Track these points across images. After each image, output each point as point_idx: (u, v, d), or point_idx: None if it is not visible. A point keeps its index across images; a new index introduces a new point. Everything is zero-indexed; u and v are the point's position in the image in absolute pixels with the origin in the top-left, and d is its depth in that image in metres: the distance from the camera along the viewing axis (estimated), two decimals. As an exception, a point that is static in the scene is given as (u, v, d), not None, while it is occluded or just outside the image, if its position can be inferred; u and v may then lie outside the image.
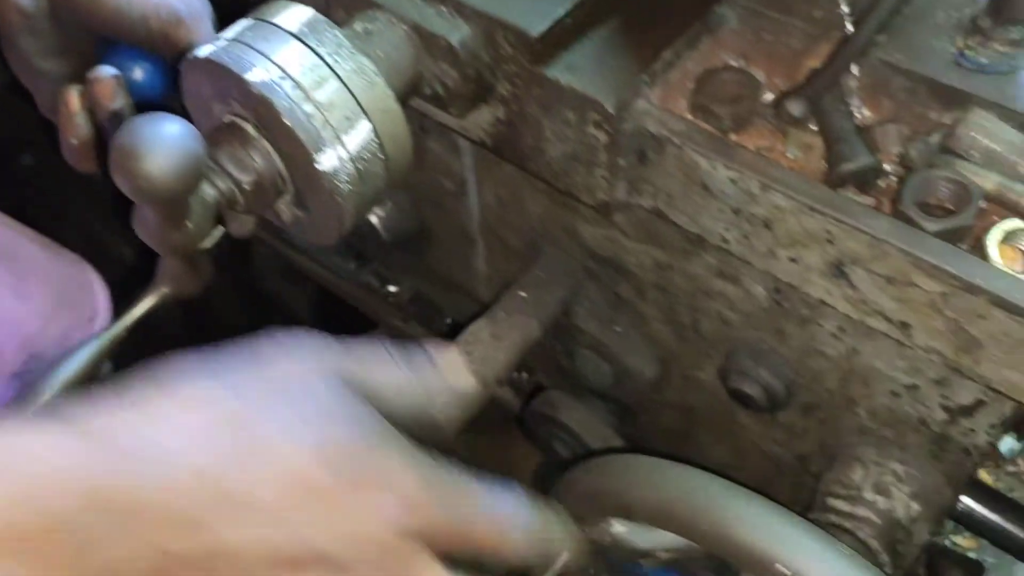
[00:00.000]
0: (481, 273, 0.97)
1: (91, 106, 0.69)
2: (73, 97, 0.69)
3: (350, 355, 0.51)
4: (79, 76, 0.70)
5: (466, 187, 0.87)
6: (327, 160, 0.59)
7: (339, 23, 0.68)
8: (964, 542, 1.10)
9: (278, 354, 0.49)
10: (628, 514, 0.65)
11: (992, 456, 1.14)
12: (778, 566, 0.56)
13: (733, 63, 0.66)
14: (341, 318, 1.50)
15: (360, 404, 0.48)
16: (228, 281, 1.75)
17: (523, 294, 0.82)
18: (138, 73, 0.76)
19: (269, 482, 0.44)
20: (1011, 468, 1.14)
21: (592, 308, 0.85)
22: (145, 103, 0.74)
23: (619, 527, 0.71)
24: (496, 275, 0.95)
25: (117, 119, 0.69)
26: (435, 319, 1.14)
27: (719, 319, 0.76)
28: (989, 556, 1.10)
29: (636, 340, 0.85)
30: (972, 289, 0.55)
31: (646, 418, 0.96)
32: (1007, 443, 1.15)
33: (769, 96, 0.66)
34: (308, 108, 0.58)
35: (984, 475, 1.13)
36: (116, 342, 0.76)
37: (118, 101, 0.68)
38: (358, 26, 0.65)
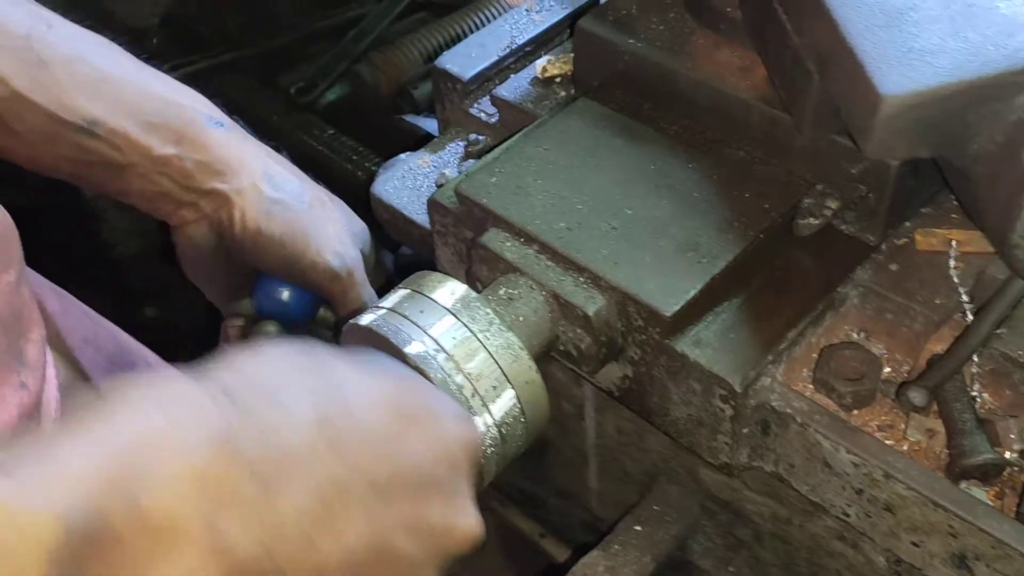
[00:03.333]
0: (593, 488, 1.00)
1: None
2: (232, 330, 0.81)
3: None
4: (246, 285, 0.81)
5: (584, 413, 0.91)
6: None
7: (480, 280, 0.74)
8: None
9: None
10: None
11: None
12: None
13: (855, 340, 0.69)
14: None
15: None
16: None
17: (638, 528, 0.85)
18: (287, 295, 0.84)
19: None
20: None
21: (708, 545, 0.86)
22: (290, 321, 0.82)
23: None
24: (608, 493, 0.97)
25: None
26: (538, 511, 1.17)
27: None
28: None
29: (750, 581, 0.86)
30: (1099, 604, 0.55)
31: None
32: None
33: (887, 370, 0.69)
34: (459, 379, 0.63)
35: None
36: None
37: (270, 331, 0.80)
38: (502, 291, 0.70)
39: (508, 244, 0.73)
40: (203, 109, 0.74)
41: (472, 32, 1.38)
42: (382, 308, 0.67)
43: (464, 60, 0.93)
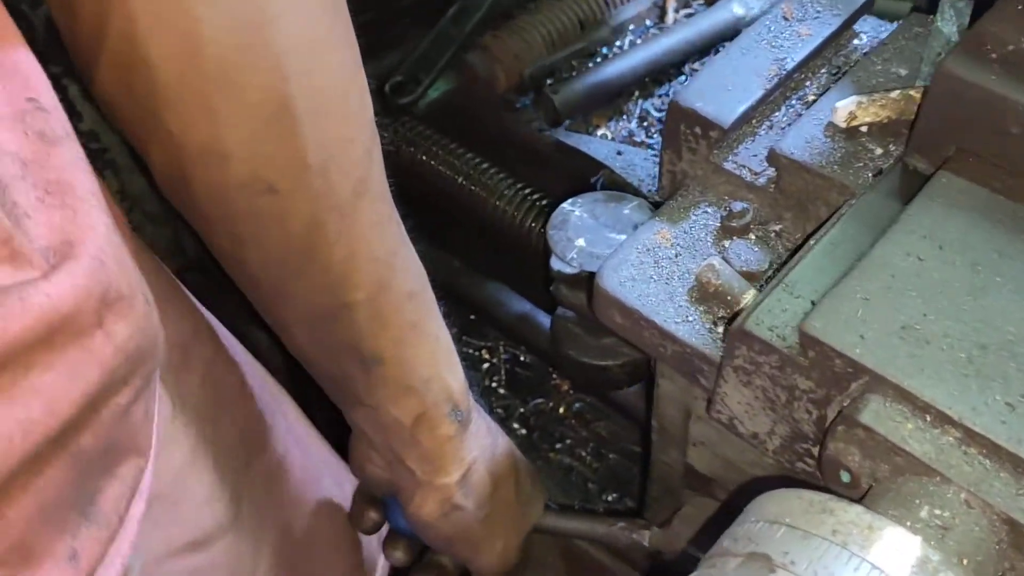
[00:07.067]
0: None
1: None
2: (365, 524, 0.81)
3: None
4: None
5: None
6: None
7: (848, 469, 0.50)
8: None
9: None
10: None
11: None
12: None
13: None
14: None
15: None
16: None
17: None
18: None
19: None
20: None
21: None
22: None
23: None
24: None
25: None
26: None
27: None
28: None
29: None
30: None
31: None
32: None
33: None
34: None
35: None
36: None
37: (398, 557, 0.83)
38: (923, 512, 0.46)
39: (910, 427, 0.48)
40: (456, 392, 0.67)
41: (611, 9, 1.11)
42: (769, 564, 0.42)
43: (718, 96, 0.67)
